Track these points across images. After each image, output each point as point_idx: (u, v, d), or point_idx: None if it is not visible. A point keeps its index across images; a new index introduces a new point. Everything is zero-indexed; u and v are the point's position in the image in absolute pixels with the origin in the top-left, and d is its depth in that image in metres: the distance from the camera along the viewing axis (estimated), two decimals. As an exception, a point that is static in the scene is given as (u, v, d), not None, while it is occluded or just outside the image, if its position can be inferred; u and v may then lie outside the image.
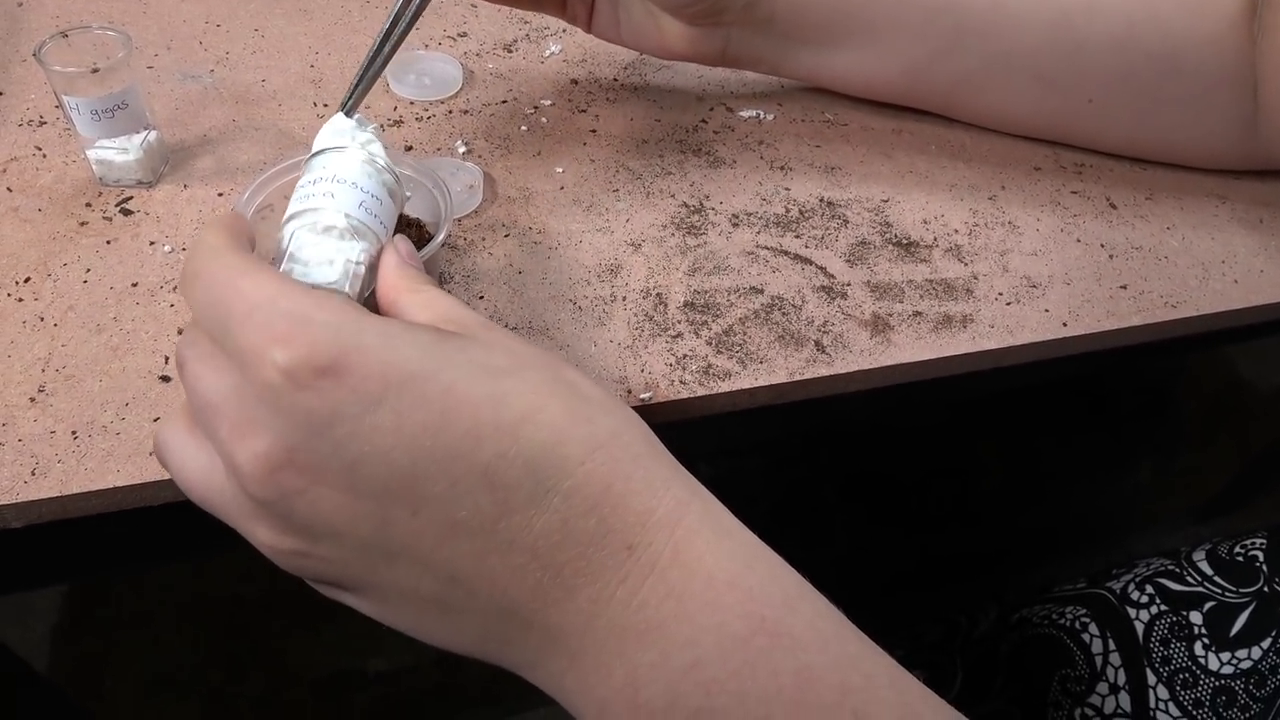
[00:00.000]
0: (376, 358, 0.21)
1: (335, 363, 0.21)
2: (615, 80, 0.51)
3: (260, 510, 0.22)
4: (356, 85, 0.32)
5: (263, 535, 0.23)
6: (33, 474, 0.29)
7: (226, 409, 0.22)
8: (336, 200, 0.27)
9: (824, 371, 0.37)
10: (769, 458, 0.86)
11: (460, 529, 0.21)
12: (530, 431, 0.21)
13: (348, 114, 0.31)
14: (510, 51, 0.52)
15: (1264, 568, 0.43)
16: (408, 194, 0.31)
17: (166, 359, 0.33)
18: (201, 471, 0.23)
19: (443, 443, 0.21)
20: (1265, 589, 0.42)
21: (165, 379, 0.33)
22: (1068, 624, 0.46)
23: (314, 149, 0.29)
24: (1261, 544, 0.44)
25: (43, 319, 0.34)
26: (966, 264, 0.42)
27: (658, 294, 0.39)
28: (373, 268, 0.27)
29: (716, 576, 0.21)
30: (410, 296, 0.26)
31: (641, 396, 0.34)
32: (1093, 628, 0.45)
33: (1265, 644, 0.40)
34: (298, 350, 0.21)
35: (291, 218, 0.27)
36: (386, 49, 0.32)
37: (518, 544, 0.21)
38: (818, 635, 0.21)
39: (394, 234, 0.29)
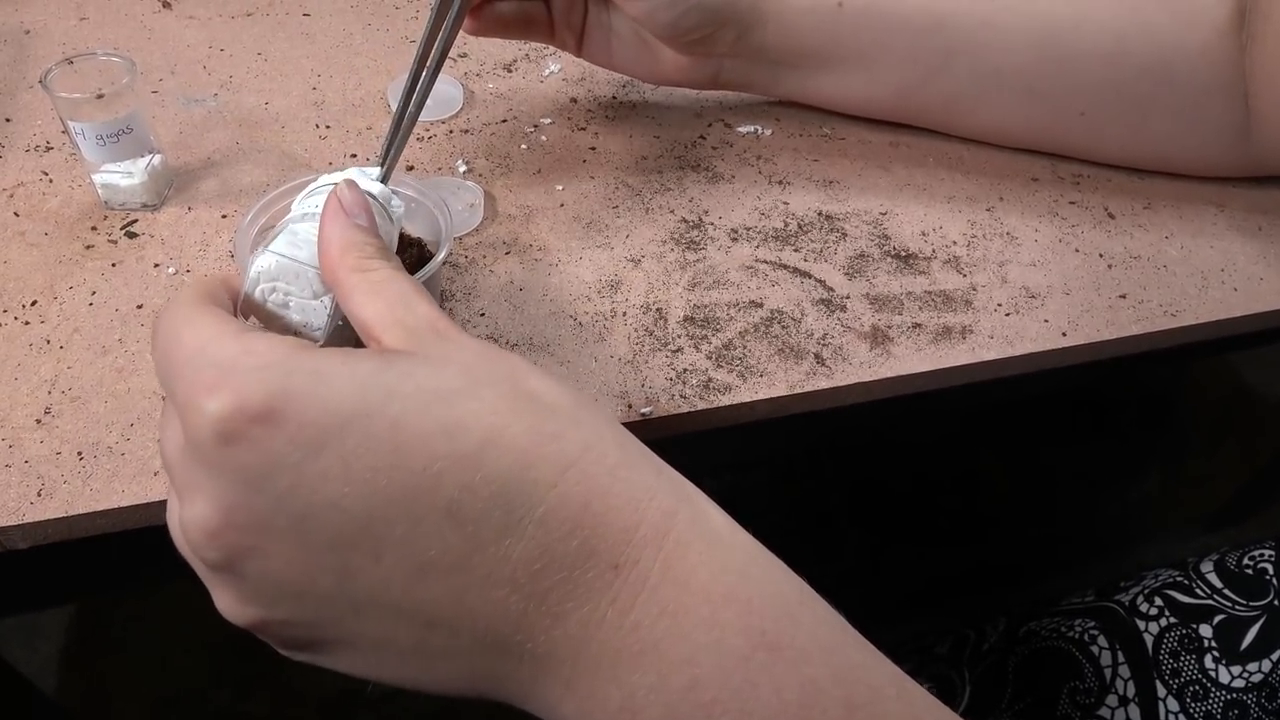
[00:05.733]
0: (312, 401, 0.20)
1: (267, 409, 0.19)
2: (614, 98, 0.51)
3: (215, 576, 0.21)
4: (389, 150, 0.32)
5: (222, 602, 0.22)
6: (39, 495, 0.30)
7: (175, 469, 0.21)
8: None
9: (824, 384, 0.37)
10: (772, 472, 0.86)
11: (431, 570, 0.20)
12: (494, 457, 0.20)
13: (383, 180, 0.31)
14: (510, 71, 0.52)
15: (1274, 580, 0.42)
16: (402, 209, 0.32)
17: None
18: (174, 529, 0.22)
19: (399, 482, 0.20)
20: (1275, 602, 0.41)
21: (169, 399, 0.33)
22: (1076, 636, 0.45)
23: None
24: (1270, 555, 0.44)
25: (49, 341, 0.35)
26: (965, 275, 0.43)
27: (657, 309, 0.39)
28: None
29: (712, 590, 0.20)
30: (357, 279, 0.23)
31: (642, 411, 0.35)
32: (1101, 640, 0.44)
33: (1275, 657, 0.40)
34: (225, 400, 0.19)
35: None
36: (411, 108, 0.33)
37: (496, 576, 0.20)
38: (820, 647, 0.20)
39: (394, 253, 0.29)
